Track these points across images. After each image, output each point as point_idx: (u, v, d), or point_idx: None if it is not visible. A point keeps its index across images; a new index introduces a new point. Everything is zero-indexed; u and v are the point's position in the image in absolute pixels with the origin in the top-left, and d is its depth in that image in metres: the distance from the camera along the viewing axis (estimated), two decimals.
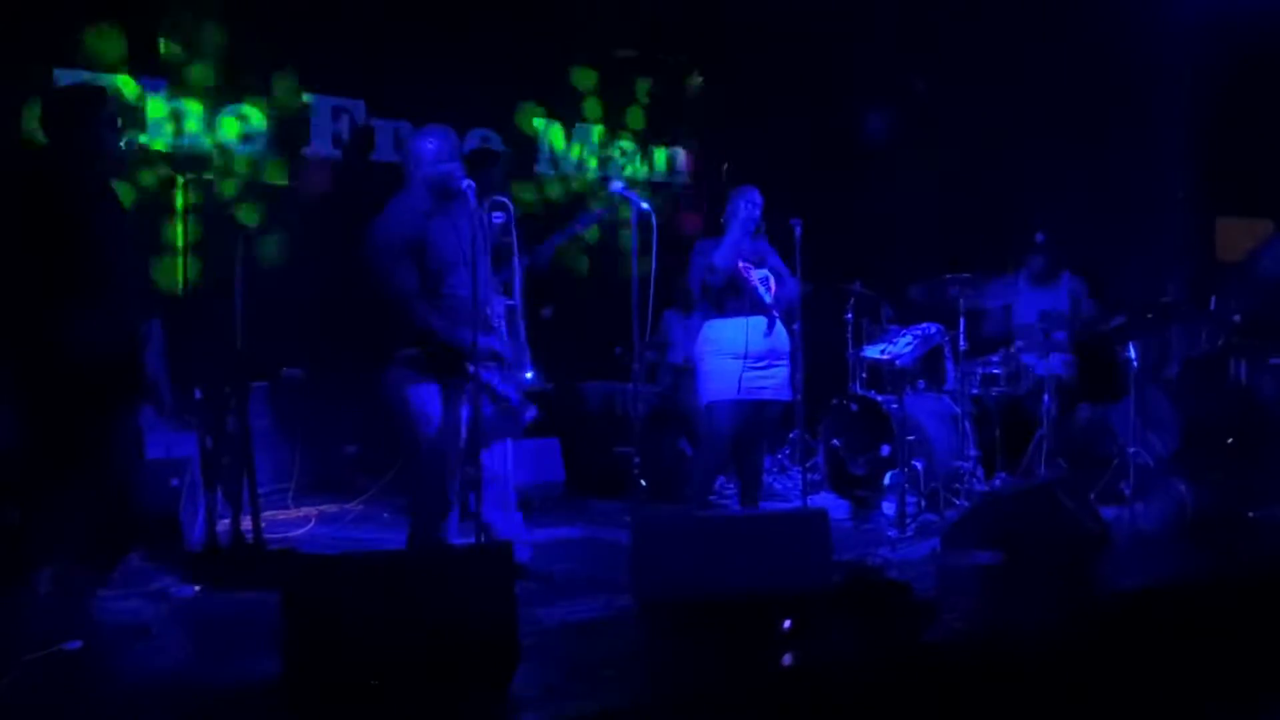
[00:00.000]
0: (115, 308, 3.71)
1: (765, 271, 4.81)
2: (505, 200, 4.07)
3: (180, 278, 5.82)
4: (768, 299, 4.76)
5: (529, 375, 4.22)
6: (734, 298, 4.76)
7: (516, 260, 4.07)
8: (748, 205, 4.80)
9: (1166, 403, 5.63)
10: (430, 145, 3.95)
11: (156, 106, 5.85)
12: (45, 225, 3.59)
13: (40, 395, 3.58)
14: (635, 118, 7.49)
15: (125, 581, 3.83)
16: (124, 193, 5.56)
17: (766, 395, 4.78)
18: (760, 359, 4.73)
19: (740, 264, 4.74)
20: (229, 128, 6.05)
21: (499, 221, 4.13)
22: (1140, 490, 5.07)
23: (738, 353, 4.70)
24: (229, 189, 6.06)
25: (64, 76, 5.49)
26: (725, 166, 7.58)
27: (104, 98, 3.90)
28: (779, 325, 4.80)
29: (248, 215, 6.02)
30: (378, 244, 3.88)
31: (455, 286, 3.85)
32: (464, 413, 3.89)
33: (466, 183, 3.88)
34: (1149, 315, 5.39)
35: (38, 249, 3.57)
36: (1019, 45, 6.67)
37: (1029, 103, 6.74)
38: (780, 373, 4.83)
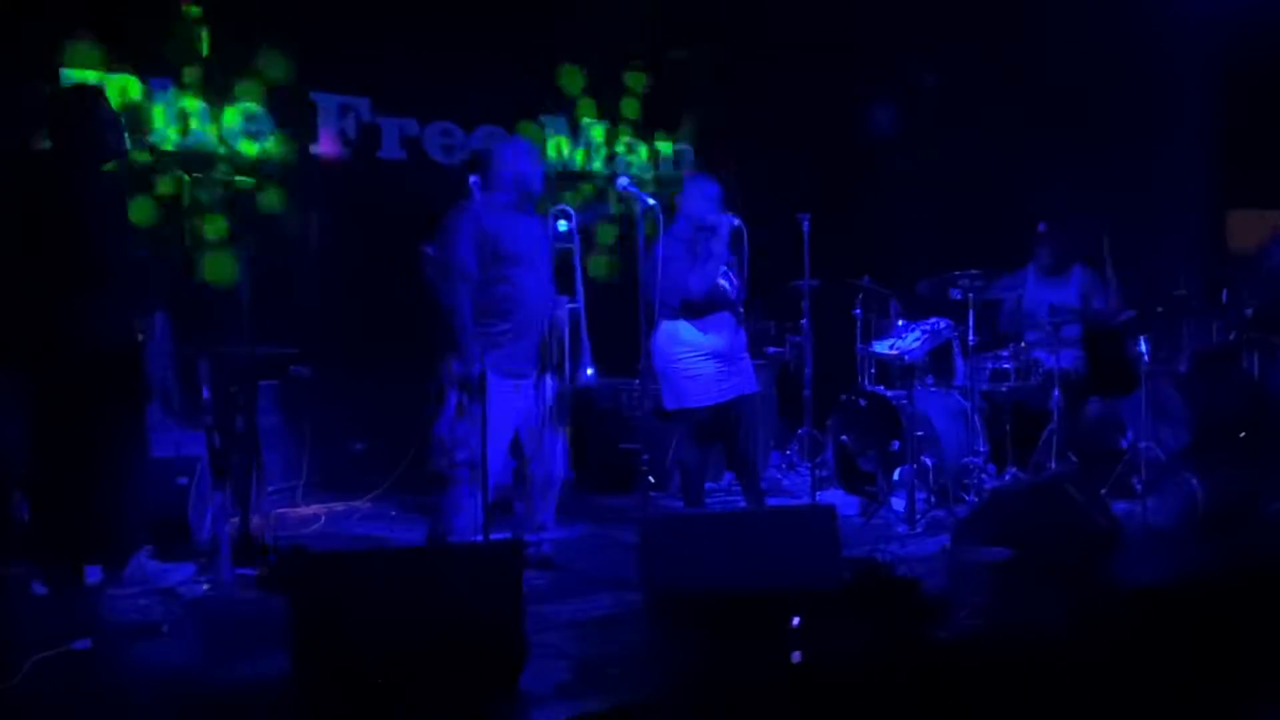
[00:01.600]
0: (117, 305, 3.72)
1: (724, 267, 4.83)
2: (567, 208, 4.25)
3: (188, 276, 5.84)
4: (733, 294, 4.82)
5: (589, 371, 4.37)
6: (711, 301, 4.79)
7: (578, 263, 4.26)
8: (726, 217, 4.76)
9: (1178, 396, 5.59)
10: (509, 150, 4.30)
11: (162, 106, 5.85)
12: (47, 224, 3.59)
13: (44, 393, 3.59)
14: (635, 111, 7.45)
15: (135, 580, 3.85)
16: (143, 207, 5.60)
17: (739, 391, 4.85)
18: (728, 357, 4.81)
19: None
20: (237, 129, 6.04)
21: (563, 230, 4.28)
22: (1151, 485, 5.04)
23: (710, 353, 4.77)
24: (235, 189, 6.05)
25: (70, 77, 5.49)
26: (732, 166, 7.56)
27: (103, 97, 3.91)
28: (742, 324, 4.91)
29: (259, 208, 6.03)
30: (448, 229, 4.17)
31: (517, 278, 4.12)
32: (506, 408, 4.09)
33: (472, 179, 3.94)
34: (1160, 308, 5.35)
35: (39, 248, 3.57)
36: (1027, 39, 6.63)
37: (1037, 96, 6.70)
38: (744, 366, 4.92)
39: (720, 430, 4.88)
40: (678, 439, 5.17)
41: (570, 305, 4.34)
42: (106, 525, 3.76)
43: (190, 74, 5.91)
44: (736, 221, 4.77)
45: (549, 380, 4.29)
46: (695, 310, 4.78)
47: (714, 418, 4.82)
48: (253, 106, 6.09)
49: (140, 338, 3.86)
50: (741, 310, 4.87)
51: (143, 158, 5.76)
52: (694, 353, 4.78)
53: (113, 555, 3.82)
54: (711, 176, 4.95)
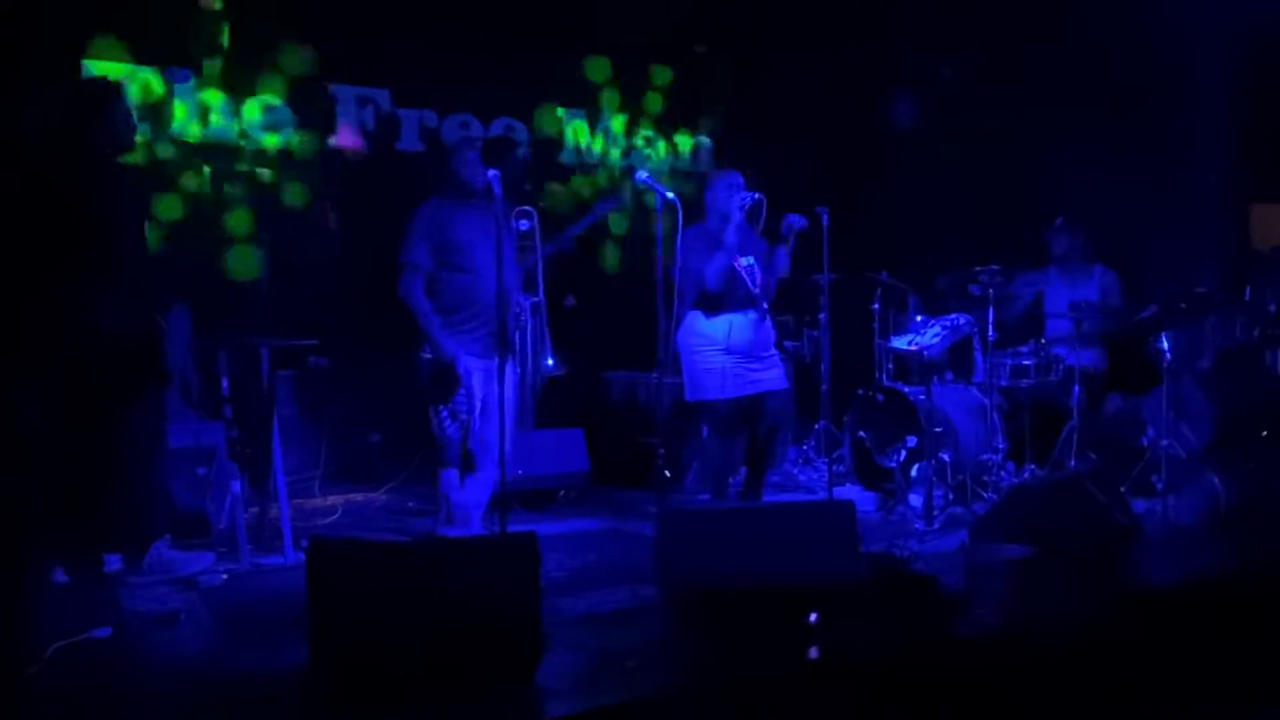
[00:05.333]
0: (133, 296, 3.73)
1: (750, 259, 4.75)
2: (529, 209, 4.32)
3: (209, 267, 5.87)
4: (756, 291, 4.72)
5: (549, 362, 4.41)
6: (725, 293, 4.71)
7: (539, 260, 4.29)
8: (738, 196, 4.65)
9: (1200, 394, 5.54)
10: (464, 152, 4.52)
11: (183, 100, 5.88)
12: (64, 216, 3.60)
13: (63, 383, 3.60)
14: (655, 104, 7.44)
15: (154, 568, 3.87)
16: (164, 200, 5.63)
17: (763, 387, 4.77)
18: (750, 353, 4.73)
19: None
20: (257, 121, 6.06)
21: (524, 229, 4.34)
22: (1173, 483, 5.00)
23: (725, 347, 4.71)
24: (255, 181, 6.08)
25: (92, 70, 5.52)
26: (751, 159, 7.52)
27: (118, 92, 3.92)
28: (766, 318, 4.81)
29: (279, 201, 6.05)
30: (409, 225, 4.45)
31: (473, 261, 4.37)
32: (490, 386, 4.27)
33: (491, 172, 3.95)
34: (1182, 305, 5.30)
35: (56, 240, 3.58)
36: (1049, 32, 6.58)
37: (1059, 90, 6.64)
38: (773, 361, 4.84)
39: (741, 424, 4.82)
40: (697, 433, 5.16)
41: (533, 300, 4.41)
42: (126, 514, 3.78)
43: (211, 67, 5.93)
44: (753, 197, 4.64)
45: (510, 368, 4.33)
46: (710, 303, 4.73)
47: (734, 411, 4.76)
48: (273, 99, 6.10)
49: (157, 328, 3.87)
50: (765, 306, 4.76)
51: (164, 151, 5.79)
52: (709, 346, 4.74)
53: (132, 544, 3.85)
54: (735, 169, 4.87)
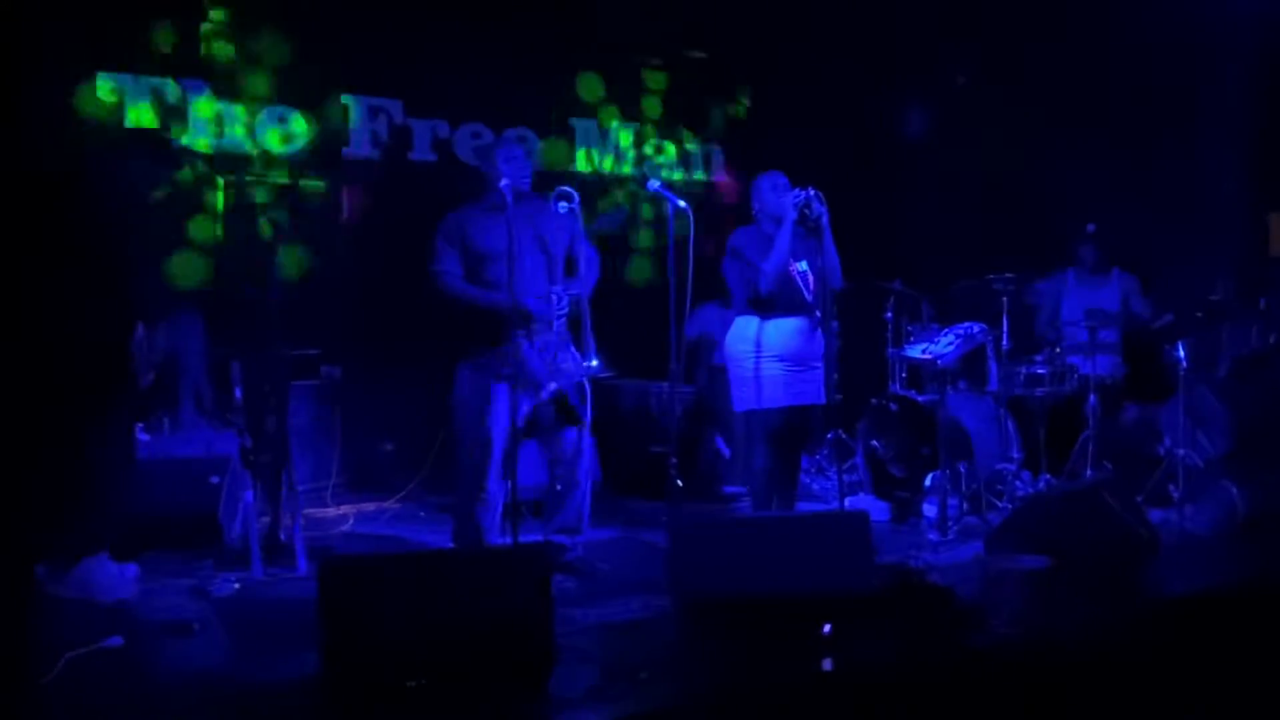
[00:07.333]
0: (105, 303, 3.68)
1: (804, 265, 4.59)
2: (570, 190, 4.16)
3: (219, 278, 5.89)
4: (809, 298, 4.59)
5: (594, 362, 4.29)
6: (778, 298, 4.54)
7: (584, 248, 4.16)
8: (789, 196, 4.47)
9: (1216, 402, 5.50)
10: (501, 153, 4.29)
11: (199, 108, 5.91)
12: (35, 220, 3.56)
13: (27, 387, 3.52)
14: (664, 112, 7.45)
15: (75, 587, 3.71)
16: (176, 209, 5.65)
17: (806, 399, 4.63)
18: (800, 362, 4.58)
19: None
20: (270, 132, 6.10)
21: (564, 211, 4.20)
22: (1189, 492, 4.96)
23: (779, 355, 4.54)
24: (268, 191, 6.11)
25: (107, 79, 5.56)
26: (765, 169, 7.52)
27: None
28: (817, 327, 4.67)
29: (284, 216, 6.07)
30: (434, 236, 4.24)
31: (499, 274, 4.08)
32: (511, 406, 4.05)
33: (503, 183, 3.96)
34: (1198, 313, 5.27)
35: (26, 244, 3.53)
36: (1064, 39, 6.56)
37: (1075, 97, 6.62)
38: (816, 375, 4.68)
39: (783, 431, 4.62)
40: (738, 441, 5.06)
41: (573, 294, 4.20)
42: (54, 524, 3.63)
43: (224, 77, 5.96)
44: (805, 194, 4.43)
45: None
46: (763, 306, 4.53)
47: (779, 419, 4.56)
48: (285, 110, 6.13)
49: (127, 336, 3.83)
50: (818, 314, 4.54)
51: (176, 161, 5.82)
52: (759, 352, 4.52)
53: (57, 555, 3.69)
54: (779, 170, 4.67)
